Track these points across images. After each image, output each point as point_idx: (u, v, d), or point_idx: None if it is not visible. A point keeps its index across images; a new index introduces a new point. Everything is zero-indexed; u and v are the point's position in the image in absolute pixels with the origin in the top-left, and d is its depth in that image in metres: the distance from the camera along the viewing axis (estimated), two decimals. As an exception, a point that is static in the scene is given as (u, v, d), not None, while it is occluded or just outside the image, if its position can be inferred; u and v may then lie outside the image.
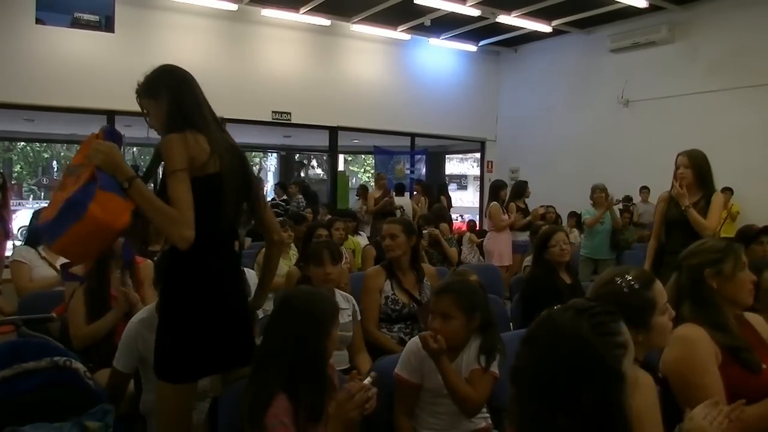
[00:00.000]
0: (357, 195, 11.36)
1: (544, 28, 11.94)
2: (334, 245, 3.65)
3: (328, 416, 2.01)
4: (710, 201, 4.30)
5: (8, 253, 5.29)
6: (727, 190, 9.76)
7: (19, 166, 25.70)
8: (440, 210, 8.57)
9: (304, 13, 11.33)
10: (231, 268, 2.48)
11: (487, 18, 11.35)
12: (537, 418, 1.38)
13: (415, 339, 2.64)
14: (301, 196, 12.02)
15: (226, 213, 2.36)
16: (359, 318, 3.46)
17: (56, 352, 2.57)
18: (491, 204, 8.11)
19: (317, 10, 11.24)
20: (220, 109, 9.91)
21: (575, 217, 9.62)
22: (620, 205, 10.54)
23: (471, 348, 2.62)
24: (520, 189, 8.68)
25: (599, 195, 7.75)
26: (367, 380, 1.94)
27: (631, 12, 11.06)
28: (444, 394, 2.56)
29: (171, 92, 2.55)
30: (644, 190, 10.77)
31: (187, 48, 11.10)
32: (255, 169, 23.87)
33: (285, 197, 12.14)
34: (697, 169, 4.36)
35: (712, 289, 2.35)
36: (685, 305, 2.29)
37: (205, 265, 2.35)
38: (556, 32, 12.35)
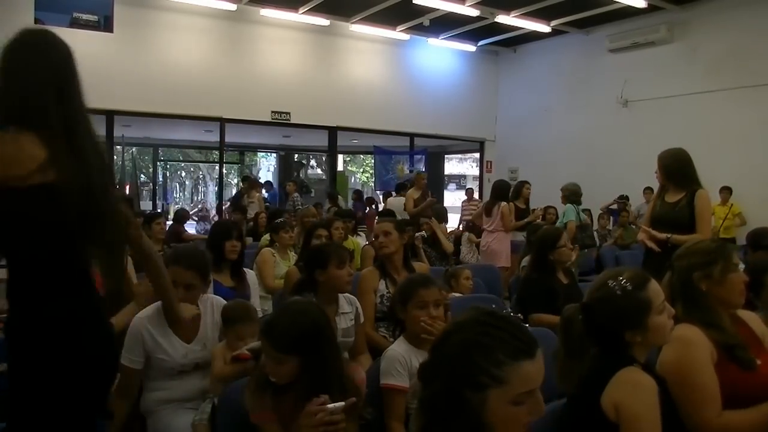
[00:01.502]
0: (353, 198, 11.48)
1: (543, 28, 11.95)
2: (348, 248, 3.63)
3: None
4: (693, 199, 4.27)
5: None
6: (726, 190, 9.78)
7: (18, 166, 25.68)
8: (441, 210, 8.50)
9: (303, 13, 11.33)
10: (88, 309, 1.95)
11: (486, 18, 11.36)
12: None
13: (395, 347, 2.67)
14: (297, 195, 12.15)
15: (61, 236, 1.85)
16: (362, 320, 3.43)
17: None
18: (502, 204, 8.08)
19: (316, 10, 11.25)
20: (219, 109, 9.94)
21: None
22: (615, 205, 10.60)
23: None
24: (520, 190, 8.67)
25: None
26: (331, 405, 1.94)
27: (630, 12, 11.07)
28: None
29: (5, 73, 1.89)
30: (647, 190, 10.76)
31: (186, 48, 11.11)
32: (254, 169, 23.92)
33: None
34: (665, 170, 4.37)
35: (702, 291, 2.36)
36: (678, 305, 2.29)
37: (48, 306, 1.85)
38: (555, 32, 12.37)
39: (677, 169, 4.34)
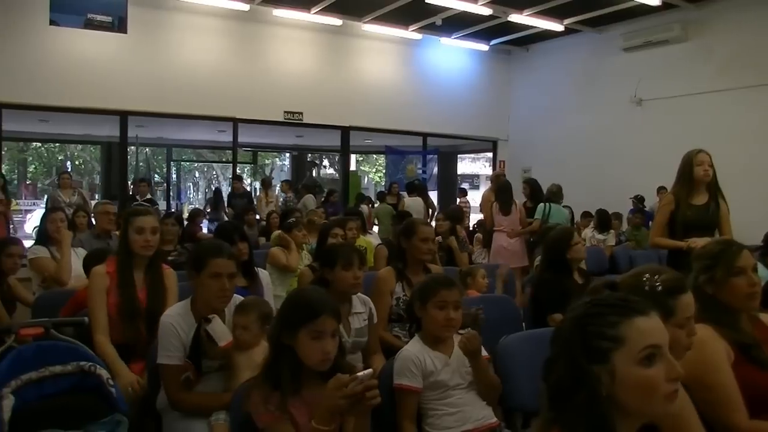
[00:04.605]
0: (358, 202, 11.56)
1: (556, 26, 11.90)
2: (359, 249, 3.61)
3: (318, 406, 2.01)
4: (719, 204, 4.25)
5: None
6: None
7: (33, 166, 25.91)
8: (457, 211, 8.39)
9: (315, 13, 11.35)
10: None
11: (499, 17, 11.33)
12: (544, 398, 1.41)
13: (409, 347, 2.68)
14: (291, 195, 12.70)
15: None
16: (375, 321, 3.42)
17: (83, 357, 2.58)
18: (519, 204, 8.07)
19: (328, 10, 11.26)
20: (233, 109, 10.08)
21: (589, 217, 9.59)
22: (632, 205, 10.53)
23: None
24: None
25: None
26: (361, 373, 1.93)
27: (644, 10, 11.00)
28: (453, 386, 2.60)
29: None
30: (662, 189, 10.70)
31: (199, 48, 11.16)
32: (267, 169, 23.99)
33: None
34: (714, 170, 4.33)
35: (710, 294, 2.33)
36: (695, 306, 2.27)
37: None
38: (568, 31, 12.31)
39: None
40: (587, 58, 12.77)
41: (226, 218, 11.64)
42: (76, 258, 4.74)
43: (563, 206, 8.44)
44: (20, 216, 17.41)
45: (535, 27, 12.07)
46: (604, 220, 9.13)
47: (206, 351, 2.68)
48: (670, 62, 11.19)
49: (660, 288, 1.91)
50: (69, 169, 23.61)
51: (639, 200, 10.57)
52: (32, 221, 15.59)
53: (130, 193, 11.14)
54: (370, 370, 1.95)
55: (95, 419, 2.41)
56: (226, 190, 15.35)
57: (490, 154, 15.76)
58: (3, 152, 11.22)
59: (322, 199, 11.91)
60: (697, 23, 10.88)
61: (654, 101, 11.51)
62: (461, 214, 8.67)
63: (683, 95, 10.91)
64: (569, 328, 1.39)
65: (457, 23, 12.01)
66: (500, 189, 8.23)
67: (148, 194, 10.43)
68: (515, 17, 11.31)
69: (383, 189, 13.98)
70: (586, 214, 9.78)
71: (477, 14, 11.09)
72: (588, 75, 12.70)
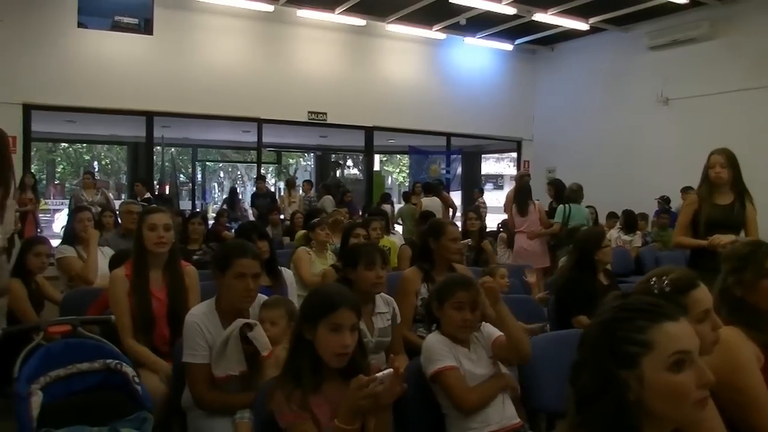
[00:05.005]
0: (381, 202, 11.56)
1: (581, 25, 11.82)
2: (382, 249, 3.60)
3: (340, 405, 2.02)
4: (744, 203, 4.19)
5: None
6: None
7: (61, 166, 26.27)
8: (476, 211, 8.35)
9: (339, 14, 11.38)
10: None
11: (523, 16, 11.28)
12: (570, 401, 1.39)
13: (431, 336, 2.70)
14: (313, 194, 12.96)
15: None
16: (398, 321, 3.41)
17: (109, 354, 2.62)
18: (537, 203, 8.02)
19: (352, 11, 11.29)
20: (257, 110, 10.13)
21: (615, 218, 9.49)
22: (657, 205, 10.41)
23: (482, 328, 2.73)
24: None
25: None
26: (381, 374, 1.94)
27: (671, 8, 10.88)
28: (480, 376, 2.60)
29: None
30: (688, 189, 10.55)
31: (223, 49, 11.24)
32: (291, 170, 24.07)
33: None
34: (733, 169, 4.24)
35: (738, 297, 2.29)
36: (723, 308, 2.24)
37: None
38: (594, 30, 12.22)
39: (740, 170, 4.26)
40: (613, 57, 12.66)
41: (251, 217, 11.73)
42: (102, 257, 4.79)
43: (586, 206, 8.36)
44: (48, 215, 17.66)
45: (560, 26, 12.00)
46: (630, 221, 9.05)
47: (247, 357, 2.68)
48: (697, 61, 11.05)
49: (668, 288, 1.90)
50: (96, 170, 23.98)
51: (665, 201, 10.45)
52: (60, 221, 15.79)
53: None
54: (390, 370, 1.95)
55: (121, 416, 2.44)
56: (250, 189, 15.46)
57: (514, 154, 15.69)
58: (32, 153, 11.38)
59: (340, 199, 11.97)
60: (724, 21, 10.73)
61: (680, 100, 11.38)
62: (481, 213, 8.68)
63: (710, 94, 10.77)
64: (597, 332, 1.37)
65: (481, 23, 11.97)
66: (518, 190, 8.20)
67: (146, 194, 10.41)
68: (540, 16, 11.25)
69: (407, 189, 13.98)
70: (611, 215, 9.68)
71: (501, 14, 11.06)
72: (613, 74, 12.59)
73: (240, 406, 2.60)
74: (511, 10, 10.84)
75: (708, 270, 2.46)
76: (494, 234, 9.12)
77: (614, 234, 9.01)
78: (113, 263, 4.02)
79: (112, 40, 10.22)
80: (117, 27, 10.07)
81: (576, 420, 1.36)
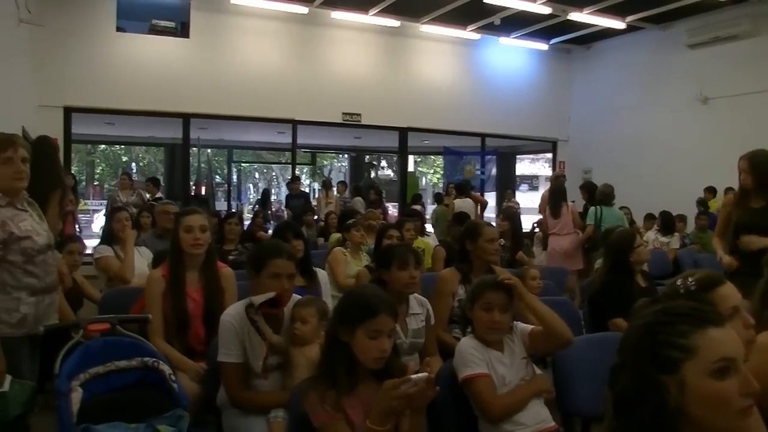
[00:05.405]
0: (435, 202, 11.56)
1: (618, 24, 11.66)
2: (415, 250, 3.60)
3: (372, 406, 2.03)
4: None
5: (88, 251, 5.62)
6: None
7: (100, 168, 26.73)
8: (509, 211, 8.25)
9: (373, 15, 11.39)
10: None
11: (558, 15, 11.16)
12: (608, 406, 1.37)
13: (464, 340, 2.68)
14: (347, 195, 13.26)
15: None
16: (432, 322, 3.40)
17: (147, 353, 2.67)
18: (570, 204, 7.95)
19: (386, 12, 11.29)
20: (292, 111, 10.23)
21: (652, 220, 9.35)
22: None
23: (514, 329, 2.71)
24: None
25: None
26: (415, 376, 1.94)
27: (710, 5, 10.68)
28: (517, 381, 2.58)
29: None
30: (729, 191, 10.34)
31: (259, 51, 11.35)
32: (325, 171, 24.19)
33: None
34: (758, 174, 4.14)
35: None
36: (766, 312, 2.19)
37: None
38: (630, 28, 12.04)
39: (761, 174, 4.15)
40: (650, 56, 12.46)
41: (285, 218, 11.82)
42: (139, 257, 4.87)
43: (619, 207, 8.25)
44: (88, 216, 17.96)
45: (596, 25, 11.85)
46: (667, 223, 8.91)
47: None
48: (738, 58, 10.82)
49: (694, 287, 1.89)
50: (134, 171, 24.35)
51: (701, 203, 10.23)
52: (99, 221, 16.07)
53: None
54: (424, 374, 1.95)
55: (158, 413, 2.48)
56: (284, 191, 15.57)
57: (549, 155, 15.55)
58: (72, 155, 11.59)
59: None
60: (767, 17, 10.50)
61: (720, 99, 11.16)
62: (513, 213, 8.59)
63: (751, 93, 10.53)
64: (637, 335, 1.35)
65: (515, 22, 11.89)
66: (552, 191, 8.14)
67: (158, 194, 10.46)
68: (575, 15, 11.13)
69: (441, 190, 13.96)
70: (649, 216, 9.54)
71: (536, 13, 10.97)
72: (651, 73, 12.40)
73: (273, 405, 2.62)
74: (546, 10, 10.74)
75: (752, 274, 2.42)
76: (529, 235, 9.06)
77: (651, 236, 8.88)
78: (156, 263, 4.08)
79: (150, 44, 10.37)
80: (154, 30, 10.22)
81: (614, 424, 1.34)
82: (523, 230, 7.73)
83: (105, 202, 16.86)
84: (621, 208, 8.38)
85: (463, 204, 10.11)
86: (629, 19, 11.53)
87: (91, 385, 2.50)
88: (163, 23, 10.28)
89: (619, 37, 12.73)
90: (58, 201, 4.17)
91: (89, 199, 21.98)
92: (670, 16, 11.48)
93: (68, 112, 10.07)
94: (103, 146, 24.84)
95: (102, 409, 2.41)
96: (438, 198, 12.70)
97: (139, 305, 3.67)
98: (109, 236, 5.10)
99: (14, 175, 2.91)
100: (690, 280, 1.92)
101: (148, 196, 10.43)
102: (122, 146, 25.11)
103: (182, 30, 10.33)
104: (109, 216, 5.38)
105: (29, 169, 2.99)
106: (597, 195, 8.04)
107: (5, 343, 2.80)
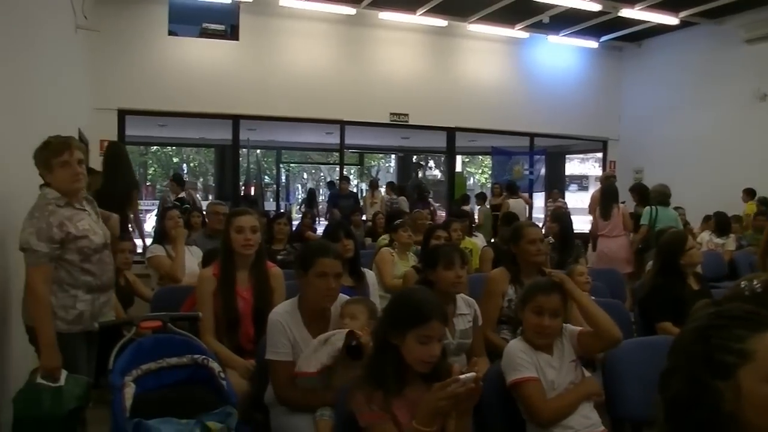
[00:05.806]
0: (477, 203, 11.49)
1: (671, 20, 11.40)
2: (461, 249, 3.59)
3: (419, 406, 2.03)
4: None
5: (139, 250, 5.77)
6: None
7: (152, 169, 27.29)
8: (558, 212, 8.11)
9: (420, 15, 11.38)
10: None
11: (609, 12, 10.98)
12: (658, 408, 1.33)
13: (513, 342, 2.68)
14: (394, 196, 12.99)
15: None
16: (480, 323, 3.38)
17: (197, 350, 2.72)
18: (621, 206, 7.83)
19: (434, 11, 11.27)
20: (340, 112, 10.28)
21: (710, 220, 9.10)
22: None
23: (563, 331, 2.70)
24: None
25: None
26: (463, 376, 1.93)
27: (769, -1, 10.35)
28: (566, 384, 2.56)
29: None
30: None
31: (307, 53, 11.45)
32: (373, 171, 24.27)
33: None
34: None
35: None
36: None
37: None
38: (684, 24, 11.75)
39: None
40: (705, 52, 12.13)
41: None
42: (190, 256, 4.96)
43: (674, 208, 8.07)
44: (141, 216, 18.33)
45: (648, 21, 11.62)
46: (722, 224, 8.66)
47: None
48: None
49: (760, 289, 1.85)
50: (185, 171, 24.78)
51: (762, 202, 9.93)
52: (151, 221, 16.40)
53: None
54: (473, 374, 1.94)
55: (207, 410, 2.52)
56: (325, 192, 15.66)
57: (599, 155, 15.30)
58: (126, 156, 11.85)
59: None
60: (828, 11, 10.15)
61: (780, 96, 10.81)
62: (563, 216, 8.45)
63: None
64: (691, 339, 1.31)
65: (565, 20, 11.74)
66: (602, 192, 8.00)
67: (181, 193, 10.48)
68: (626, 12, 10.91)
69: (488, 190, 13.89)
70: (707, 218, 9.29)
71: (586, 10, 10.81)
72: (706, 70, 12.07)
73: (320, 404, 2.63)
74: (596, 7, 10.57)
75: None
76: (582, 236, 8.90)
77: (706, 237, 8.66)
78: (205, 262, 4.15)
79: (201, 47, 10.57)
80: (205, 34, 10.43)
81: (665, 430, 1.31)
82: (575, 231, 7.61)
83: (157, 202, 17.20)
84: (676, 208, 8.20)
85: (516, 205, 10.04)
86: (683, 14, 11.26)
87: (144, 381, 2.56)
88: (213, 26, 10.48)
89: (672, 34, 12.43)
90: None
91: (142, 200, 22.46)
92: (725, 10, 11.14)
93: (122, 114, 10.32)
94: (155, 147, 25.34)
95: (153, 405, 2.47)
96: (480, 198, 12.64)
97: (189, 303, 3.73)
98: (161, 236, 5.21)
99: (72, 178, 3.01)
100: (756, 282, 1.88)
101: (172, 196, 10.44)
102: (173, 147, 25.59)
103: (232, 33, 10.51)
104: (161, 215, 5.49)
105: (85, 170, 3.09)
106: (653, 195, 7.87)
107: (62, 339, 2.89)
